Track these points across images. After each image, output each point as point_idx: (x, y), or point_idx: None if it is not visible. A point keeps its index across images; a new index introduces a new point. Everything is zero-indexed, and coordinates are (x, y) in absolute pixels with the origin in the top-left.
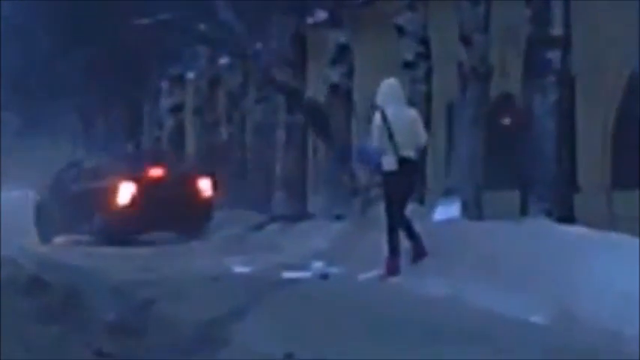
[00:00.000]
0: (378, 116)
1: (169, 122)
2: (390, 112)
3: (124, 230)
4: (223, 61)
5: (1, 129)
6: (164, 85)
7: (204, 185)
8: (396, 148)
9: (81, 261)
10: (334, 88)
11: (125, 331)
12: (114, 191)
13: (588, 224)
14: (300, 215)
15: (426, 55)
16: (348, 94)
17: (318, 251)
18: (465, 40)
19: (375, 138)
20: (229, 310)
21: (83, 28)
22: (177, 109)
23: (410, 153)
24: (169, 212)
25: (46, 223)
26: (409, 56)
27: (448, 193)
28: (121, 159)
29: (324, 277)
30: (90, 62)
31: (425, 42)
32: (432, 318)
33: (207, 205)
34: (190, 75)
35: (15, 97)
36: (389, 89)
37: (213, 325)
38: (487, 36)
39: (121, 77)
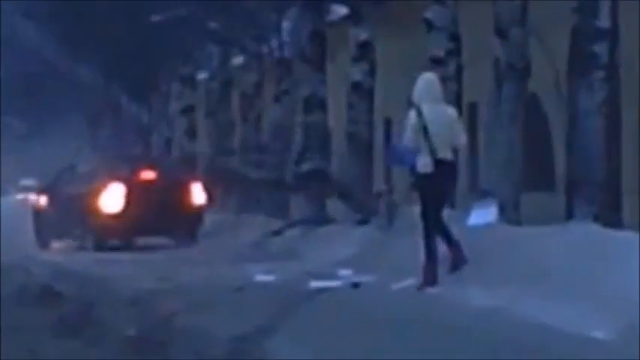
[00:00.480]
0: (412, 114)
1: (180, 124)
2: (426, 110)
3: (113, 232)
4: (237, 60)
5: (6, 133)
6: (174, 86)
7: (196, 189)
8: (431, 149)
9: (91, 268)
10: (356, 87)
11: (148, 347)
12: (103, 192)
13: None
14: (321, 220)
15: (456, 52)
16: (370, 93)
17: (344, 258)
18: (501, 34)
19: (410, 137)
20: (260, 324)
21: (91, 27)
22: (188, 110)
23: (447, 154)
24: (159, 215)
25: (43, 227)
26: (439, 52)
27: (484, 195)
28: (112, 161)
29: (356, 286)
30: (98, 62)
31: (455, 37)
32: (483, 332)
33: (198, 209)
34: (202, 76)
35: (20, 99)
36: (426, 85)
37: (244, 340)
38: (525, 29)
39: (130, 78)
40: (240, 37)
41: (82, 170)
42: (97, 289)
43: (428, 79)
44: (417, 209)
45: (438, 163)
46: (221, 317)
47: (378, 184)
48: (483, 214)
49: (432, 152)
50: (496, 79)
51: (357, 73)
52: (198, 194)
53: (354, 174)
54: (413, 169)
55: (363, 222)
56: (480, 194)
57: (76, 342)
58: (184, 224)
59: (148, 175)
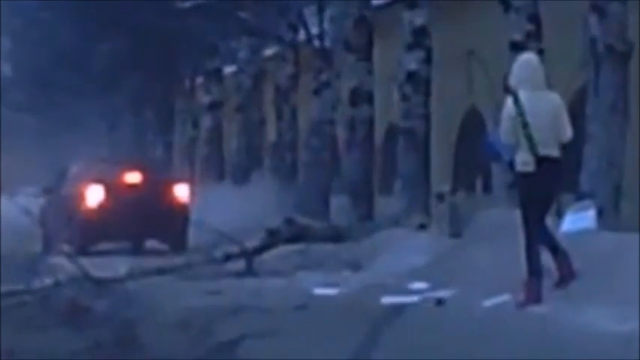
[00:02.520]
0: (509, 102)
1: (206, 121)
2: (524, 97)
3: (94, 235)
4: (269, 51)
5: (18, 131)
6: (199, 80)
7: (181, 191)
8: (532, 144)
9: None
10: (411, 77)
11: None
12: (83, 194)
13: None
14: (372, 224)
15: (537, 34)
16: (426, 84)
17: (412, 269)
18: (599, 11)
19: (506, 129)
20: (346, 356)
21: (110, 15)
22: (214, 107)
23: (551, 150)
24: (142, 218)
25: (45, 229)
26: (517, 36)
27: (580, 197)
28: (98, 163)
29: (440, 302)
30: (118, 55)
31: (535, 18)
32: None
33: (183, 212)
34: (229, 69)
35: (33, 96)
36: (524, 68)
37: None
38: (626, 5)
39: (152, 71)
40: (273, 26)
41: (71, 173)
42: (136, 305)
43: (527, 60)
44: (487, 213)
45: (540, 160)
46: (293, 346)
47: (440, 185)
48: (580, 219)
49: (533, 148)
50: (594, 63)
51: (411, 62)
52: (183, 196)
53: (409, 173)
54: (511, 166)
55: (422, 227)
56: (577, 197)
57: None
58: (169, 227)
59: (132, 177)
